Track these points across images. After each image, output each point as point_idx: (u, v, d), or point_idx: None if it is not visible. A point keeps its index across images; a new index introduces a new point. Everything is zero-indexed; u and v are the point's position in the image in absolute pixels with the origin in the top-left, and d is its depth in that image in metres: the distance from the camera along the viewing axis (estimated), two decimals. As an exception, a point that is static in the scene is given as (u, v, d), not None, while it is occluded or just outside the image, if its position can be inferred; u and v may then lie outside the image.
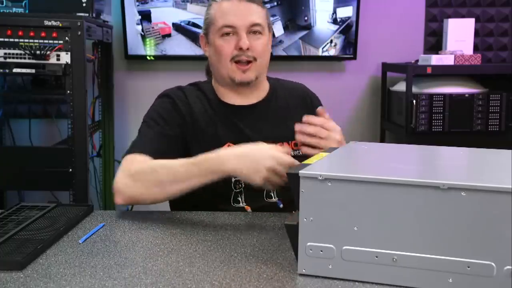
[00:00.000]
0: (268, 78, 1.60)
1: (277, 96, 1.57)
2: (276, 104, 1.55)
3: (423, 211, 0.87)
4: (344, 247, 0.92)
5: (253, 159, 1.21)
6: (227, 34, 1.45)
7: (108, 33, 2.72)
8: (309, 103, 1.59)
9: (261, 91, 1.56)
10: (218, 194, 1.40)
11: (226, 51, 1.45)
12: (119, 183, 1.32)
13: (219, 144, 1.40)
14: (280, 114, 1.54)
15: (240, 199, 1.46)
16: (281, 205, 1.46)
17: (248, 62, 1.46)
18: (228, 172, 1.24)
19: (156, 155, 1.35)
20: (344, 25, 2.91)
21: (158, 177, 1.29)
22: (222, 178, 1.26)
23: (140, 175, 1.31)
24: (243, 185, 1.44)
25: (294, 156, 1.44)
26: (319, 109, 1.36)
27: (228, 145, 1.44)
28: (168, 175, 1.28)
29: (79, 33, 2.22)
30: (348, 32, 2.92)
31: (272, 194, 1.48)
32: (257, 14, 1.47)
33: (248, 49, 1.44)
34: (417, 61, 2.81)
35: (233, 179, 1.42)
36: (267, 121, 1.52)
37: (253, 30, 1.46)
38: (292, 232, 0.96)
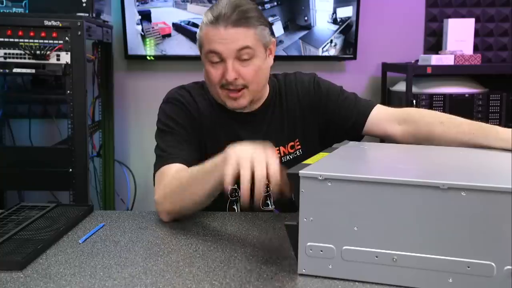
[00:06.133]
0: (272, 77, 1.51)
1: (276, 100, 1.49)
2: (276, 109, 1.49)
3: (423, 211, 0.87)
4: (344, 247, 0.92)
5: (248, 148, 1.10)
6: (215, 61, 1.36)
7: (108, 33, 2.71)
8: (313, 97, 1.49)
9: (261, 100, 1.48)
10: (213, 201, 1.31)
11: (214, 78, 1.37)
12: (156, 202, 1.29)
13: (219, 147, 1.39)
14: (280, 118, 1.48)
15: (235, 207, 1.45)
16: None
17: (239, 89, 1.38)
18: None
19: (183, 159, 1.32)
20: (344, 25, 2.91)
21: (180, 186, 1.25)
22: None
23: (167, 188, 1.27)
24: (239, 193, 1.42)
25: (287, 161, 1.45)
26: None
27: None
28: (188, 181, 1.24)
29: (79, 33, 2.22)
30: (348, 32, 2.92)
31: (269, 202, 1.45)
32: (245, 38, 1.34)
33: (236, 78, 1.35)
34: (417, 61, 2.81)
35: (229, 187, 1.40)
36: (267, 127, 1.47)
37: (242, 56, 1.35)
38: (292, 232, 0.96)
